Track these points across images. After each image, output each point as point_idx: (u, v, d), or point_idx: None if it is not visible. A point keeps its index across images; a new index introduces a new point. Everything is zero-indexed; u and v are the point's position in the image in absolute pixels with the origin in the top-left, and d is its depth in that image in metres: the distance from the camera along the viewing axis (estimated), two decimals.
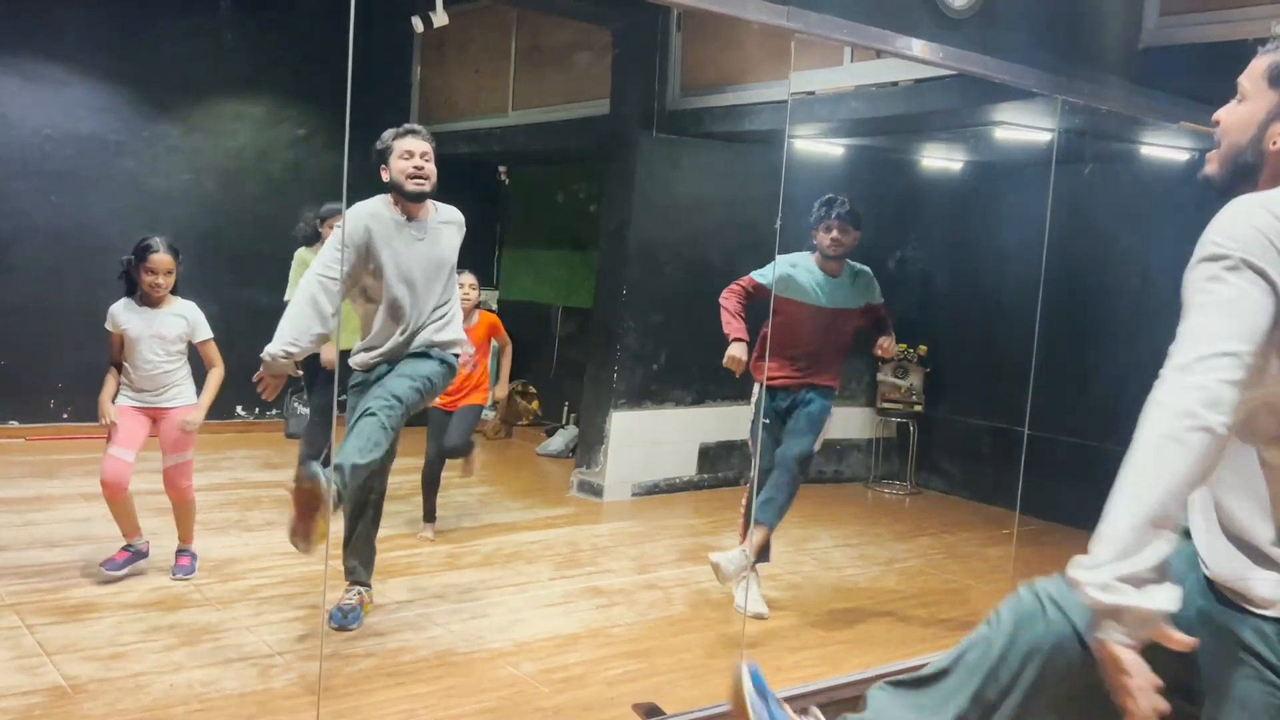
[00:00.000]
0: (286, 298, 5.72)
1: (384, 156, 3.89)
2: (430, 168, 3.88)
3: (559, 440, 7.66)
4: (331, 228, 5.64)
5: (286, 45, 7.78)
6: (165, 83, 7.37)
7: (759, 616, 4.40)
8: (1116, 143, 5.78)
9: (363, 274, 3.77)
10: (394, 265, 3.77)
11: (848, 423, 7.35)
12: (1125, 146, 5.87)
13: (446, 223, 3.99)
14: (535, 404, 8.42)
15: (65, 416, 7.02)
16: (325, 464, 5.43)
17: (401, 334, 3.81)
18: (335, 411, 5.06)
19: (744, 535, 4.45)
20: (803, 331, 4.51)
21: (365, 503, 3.95)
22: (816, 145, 6.57)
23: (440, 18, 5.69)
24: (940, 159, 7.09)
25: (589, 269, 7.60)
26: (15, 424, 6.93)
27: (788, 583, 4.95)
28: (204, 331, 4.44)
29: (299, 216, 6.22)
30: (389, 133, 3.92)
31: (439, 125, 8.29)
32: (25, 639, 3.64)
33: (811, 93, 5.55)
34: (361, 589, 4.02)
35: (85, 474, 5.93)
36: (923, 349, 7.11)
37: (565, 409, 8.16)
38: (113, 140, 7.22)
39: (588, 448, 6.57)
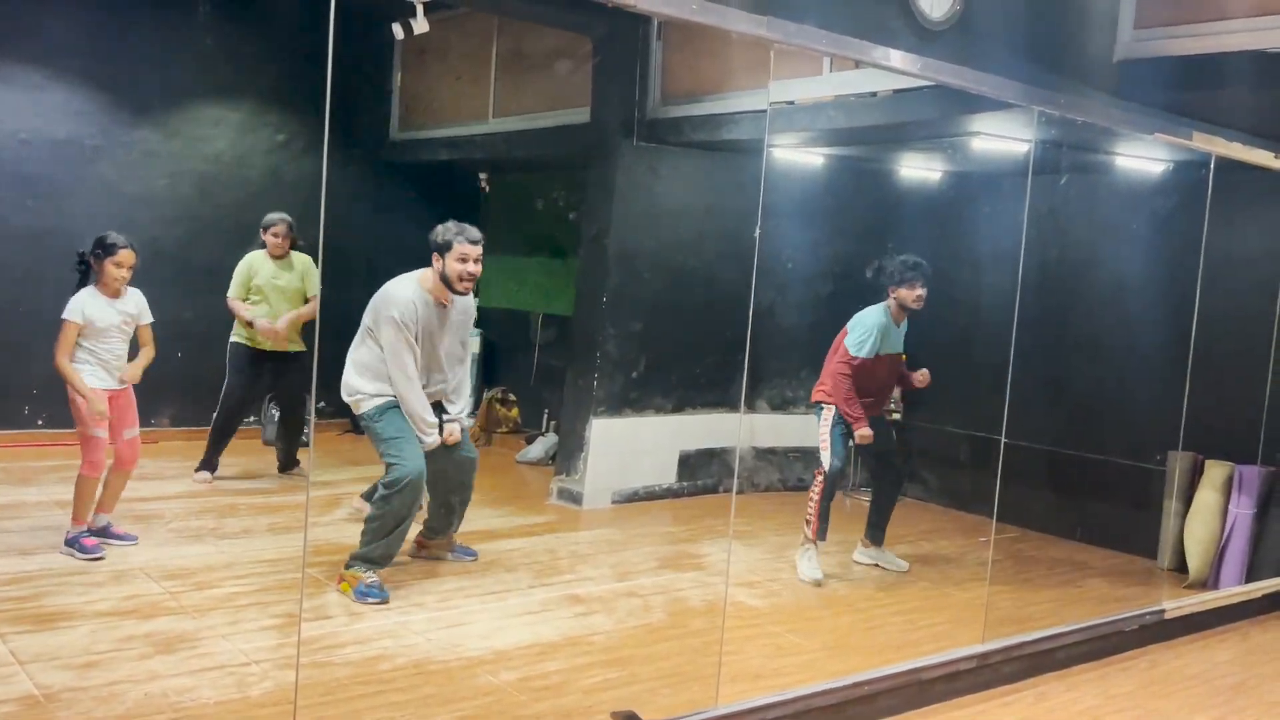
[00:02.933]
0: (229, 296, 6.28)
1: (443, 250, 4.41)
2: (479, 269, 4.47)
3: (538, 448, 7.65)
4: (273, 235, 6.27)
5: (266, 51, 7.76)
6: (143, 87, 7.32)
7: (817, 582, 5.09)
8: (1092, 154, 5.84)
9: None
10: (427, 339, 4.50)
11: None
12: (1101, 158, 5.93)
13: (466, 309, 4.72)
14: (515, 411, 8.40)
15: (40, 423, 6.95)
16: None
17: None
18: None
19: (816, 532, 5.15)
20: (879, 374, 5.26)
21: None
22: (796, 154, 6.60)
23: (421, 25, 5.70)
24: (918, 169, 7.14)
25: (569, 276, 7.60)
26: None
27: (767, 590, 4.96)
28: (148, 315, 4.89)
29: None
30: (453, 229, 4.41)
31: (419, 132, 8.30)
32: None
33: (791, 102, 5.58)
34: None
35: (60, 480, 5.88)
36: (902, 357, 7.14)
37: (545, 416, 8.14)
38: (90, 145, 7.17)
39: (567, 455, 6.56)
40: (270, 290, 6.26)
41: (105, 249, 4.67)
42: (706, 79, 6.18)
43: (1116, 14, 5.00)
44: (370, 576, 4.34)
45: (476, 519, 5.92)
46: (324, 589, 4.46)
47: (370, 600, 4.28)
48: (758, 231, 3.79)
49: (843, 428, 5.14)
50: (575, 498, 6.39)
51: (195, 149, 7.60)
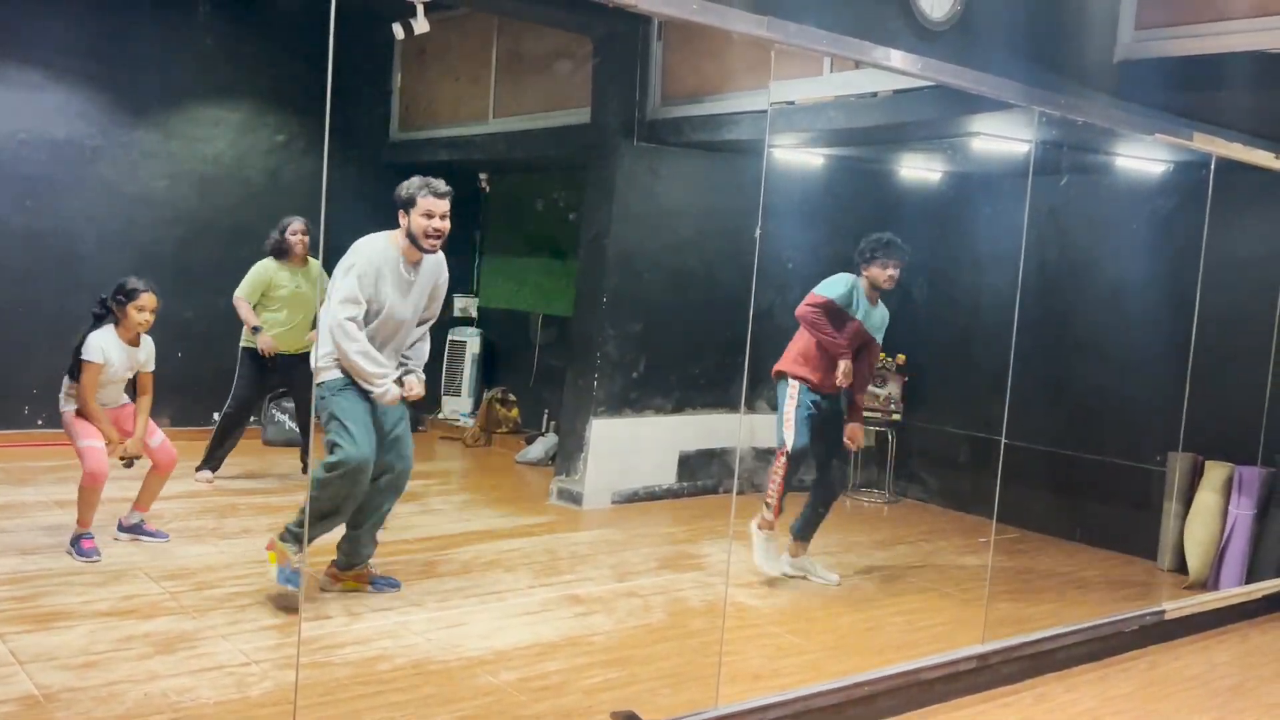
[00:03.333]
0: (238, 295, 6.18)
1: (407, 206, 4.20)
2: (446, 225, 4.23)
3: (538, 448, 7.65)
4: (293, 234, 6.19)
5: (266, 51, 7.76)
6: (143, 88, 7.33)
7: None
8: (1092, 154, 5.84)
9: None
10: (389, 298, 4.21)
11: None
12: (1101, 158, 5.93)
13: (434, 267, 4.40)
14: (515, 412, 8.40)
15: (39, 423, 6.95)
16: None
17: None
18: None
19: (777, 512, 4.97)
20: (845, 340, 4.93)
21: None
22: (796, 155, 6.60)
23: (421, 25, 5.71)
24: (919, 169, 7.14)
25: (569, 277, 7.61)
26: None
27: (767, 590, 4.96)
28: (153, 364, 4.88)
29: (275, 224, 6.28)
30: (416, 184, 4.20)
31: (419, 132, 8.30)
32: None
33: (791, 102, 5.58)
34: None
35: (58, 481, 5.88)
36: (901, 358, 7.15)
37: (545, 417, 8.14)
38: (89, 145, 7.17)
39: (567, 456, 6.56)
40: (291, 300, 6.21)
41: (127, 295, 4.62)
42: (707, 79, 6.18)
43: (1117, 14, 4.99)
44: (297, 559, 4.11)
45: (476, 519, 5.93)
46: (324, 589, 4.45)
47: (289, 587, 4.10)
48: (758, 232, 3.79)
49: (808, 410, 4.92)
50: (575, 498, 6.38)
51: (195, 149, 7.60)
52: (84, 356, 4.56)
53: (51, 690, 3.30)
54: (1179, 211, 5.78)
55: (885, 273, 4.91)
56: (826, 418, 5.02)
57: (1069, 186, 6.37)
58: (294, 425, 7.41)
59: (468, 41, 7.73)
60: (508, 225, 8.86)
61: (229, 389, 6.34)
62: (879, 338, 5.10)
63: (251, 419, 7.45)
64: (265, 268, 6.20)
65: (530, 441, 7.85)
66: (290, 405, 7.31)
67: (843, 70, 5.29)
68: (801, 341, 5.01)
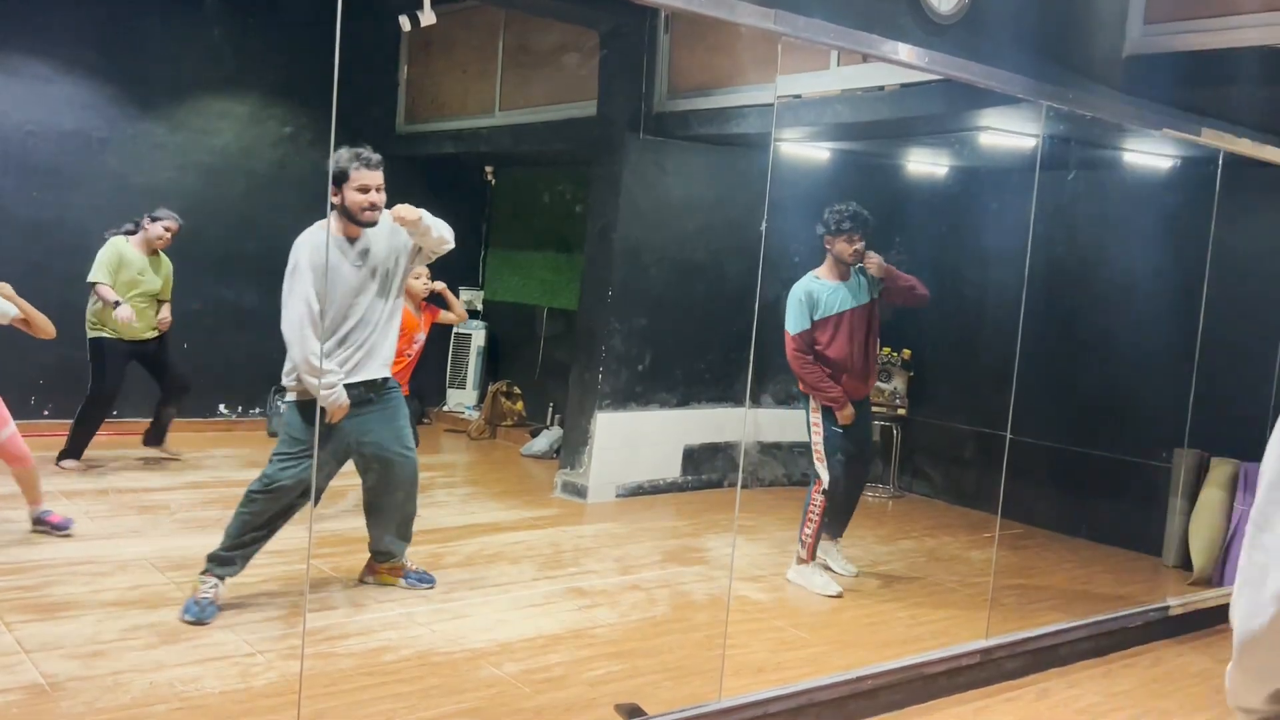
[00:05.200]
0: (90, 279, 5.88)
1: (340, 181, 3.95)
2: (383, 198, 3.98)
3: (543, 441, 7.65)
4: (164, 229, 6.04)
5: (272, 43, 7.76)
6: (150, 80, 7.33)
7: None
8: (1100, 149, 5.82)
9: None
10: (344, 284, 3.95)
11: None
12: (1109, 153, 5.91)
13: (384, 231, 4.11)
14: (520, 405, 8.41)
15: (46, 414, 6.97)
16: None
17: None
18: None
19: (811, 553, 4.92)
20: (843, 341, 4.81)
21: None
22: (802, 149, 6.59)
23: (428, 17, 5.68)
24: (925, 164, 7.12)
25: (575, 270, 7.60)
26: None
27: (771, 584, 4.96)
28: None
29: (282, 215, 6.28)
30: (346, 156, 3.97)
31: (425, 125, 8.29)
32: (4, 637, 3.62)
33: (798, 96, 5.56)
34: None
35: (65, 471, 5.90)
36: (906, 353, 7.14)
37: (550, 410, 8.15)
38: (96, 137, 7.18)
39: (572, 449, 6.56)
40: (137, 286, 6.02)
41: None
42: (713, 73, 6.17)
43: (1126, 9, 4.97)
44: (206, 587, 3.92)
45: (481, 512, 5.94)
46: (329, 580, 4.47)
47: (186, 618, 3.84)
48: (764, 226, 3.78)
49: (837, 430, 4.80)
50: (580, 491, 6.39)
51: (202, 141, 7.61)
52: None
53: (58, 679, 3.32)
54: (1186, 207, 5.76)
55: (851, 247, 4.77)
56: (853, 424, 4.88)
57: (1076, 181, 6.36)
58: None
59: (474, 34, 7.73)
60: (513, 218, 8.86)
61: (236, 381, 6.35)
62: (871, 296, 4.88)
63: (255, 410, 7.49)
64: (117, 249, 5.99)
65: (535, 435, 7.86)
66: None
67: (850, 64, 5.28)
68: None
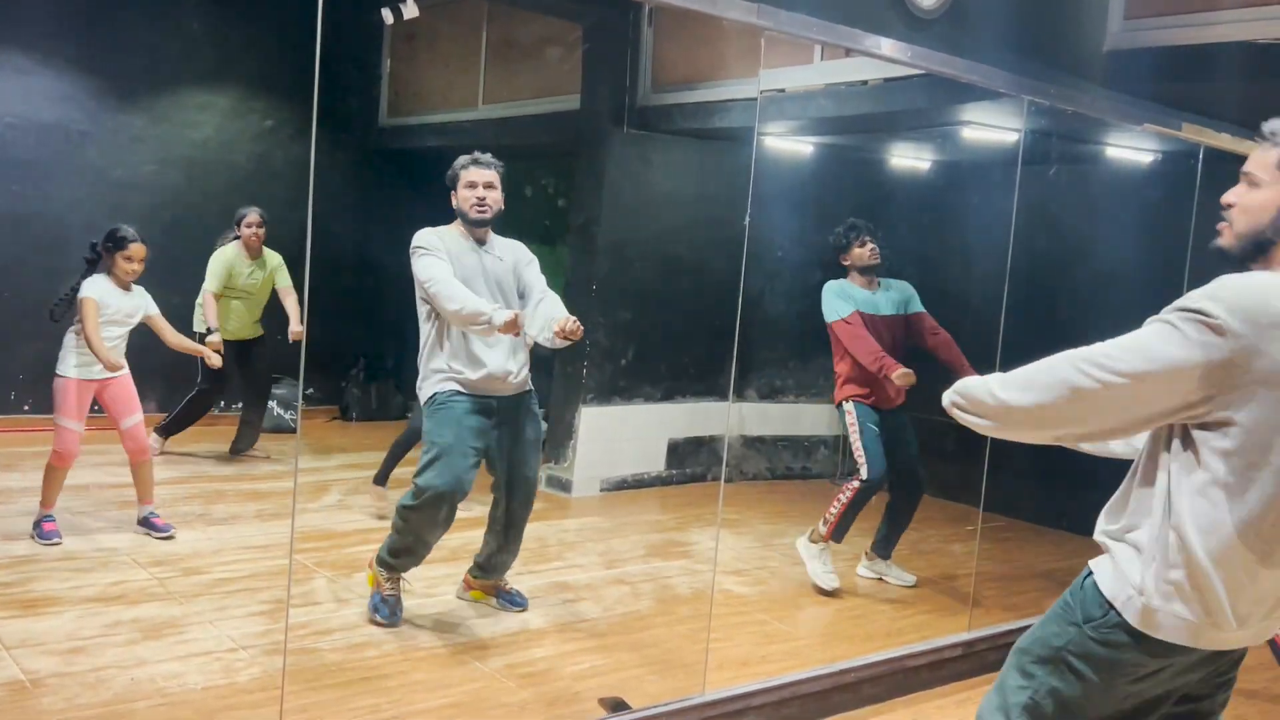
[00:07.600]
0: (207, 289, 6.13)
1: (454, 183, 4.04)
2: (494, 196, 4.00)
3: None
4: (247, 226, 6.20)
5: (254, 36, 7.72)
6: (130, 72, 7.28)
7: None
8: (1082, 144, 5.85)
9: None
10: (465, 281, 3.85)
11: (815, 419, 7.40)
12: (1090, 148, 5.94)
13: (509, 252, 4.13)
14: None
15: (26, 409, 6.92)
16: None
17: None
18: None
19: (832, 532, 4.82)
20: (880, 342, 4.74)
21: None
22: (786, 143, 6.59)
23: (410, 10, 5.68)
24: (908, 158, 7.14)
25: (558, 264, 7.59)
26: None
27: (755, 578, 4.98)
28: (154, 307, 4.88)
29: (267, 210, 6.27)
30: (463, 160, 4.05)
31: (408, 118, 8.26)
32: None
33: (781, 90, 5.57)
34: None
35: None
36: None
37: None
38: (76, 130, 7.13)
39: (556, 443, 6.56)
40: (246, 289, 6.28)
41: (116, 243, 4.66)
42: (697, 67, 6.16)
43: (1107, 4, 5.00)
44: (389, 587, 4.00)
45: (463, 506, 5.91)
46: (312, 575, 4.46)
47: (377, 618, 3.94)
48: (747, 220, 3.78)
49: (873, 429, 4.72)
50: (564, 485, 6.39)
51: (182, 134, 7.57)
52: (81, 294, 4.59)
53: (39, 675, 3.30)
54: (1167, 202, 5.78)
55: (866, 250, 4.80)
56: (893, 431, 4.82)
57: (1058, 176, 6.38)
58: (283, 411, 7.41)
59: (457, 27, 7.70)
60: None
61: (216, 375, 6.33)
62: (914, 307, 4.92)
63: (238, 405, 7.44)
64: (226, 257, 6.21)
65: None
66: (280, 391, 7.30)
67: (833, 58, 5.29)
68: (845, 365, 4.82)
